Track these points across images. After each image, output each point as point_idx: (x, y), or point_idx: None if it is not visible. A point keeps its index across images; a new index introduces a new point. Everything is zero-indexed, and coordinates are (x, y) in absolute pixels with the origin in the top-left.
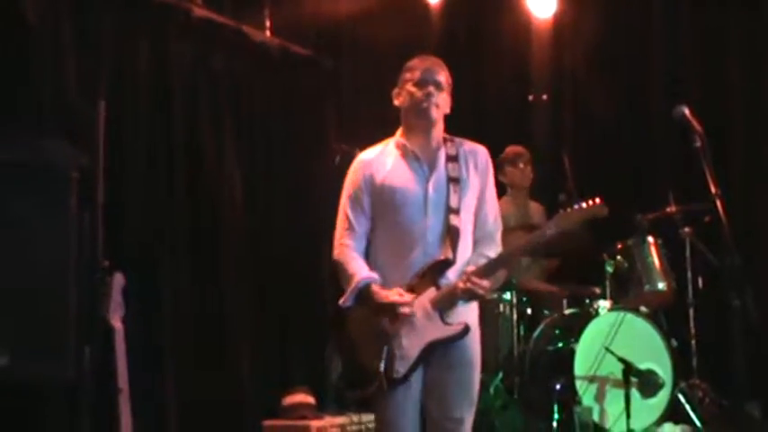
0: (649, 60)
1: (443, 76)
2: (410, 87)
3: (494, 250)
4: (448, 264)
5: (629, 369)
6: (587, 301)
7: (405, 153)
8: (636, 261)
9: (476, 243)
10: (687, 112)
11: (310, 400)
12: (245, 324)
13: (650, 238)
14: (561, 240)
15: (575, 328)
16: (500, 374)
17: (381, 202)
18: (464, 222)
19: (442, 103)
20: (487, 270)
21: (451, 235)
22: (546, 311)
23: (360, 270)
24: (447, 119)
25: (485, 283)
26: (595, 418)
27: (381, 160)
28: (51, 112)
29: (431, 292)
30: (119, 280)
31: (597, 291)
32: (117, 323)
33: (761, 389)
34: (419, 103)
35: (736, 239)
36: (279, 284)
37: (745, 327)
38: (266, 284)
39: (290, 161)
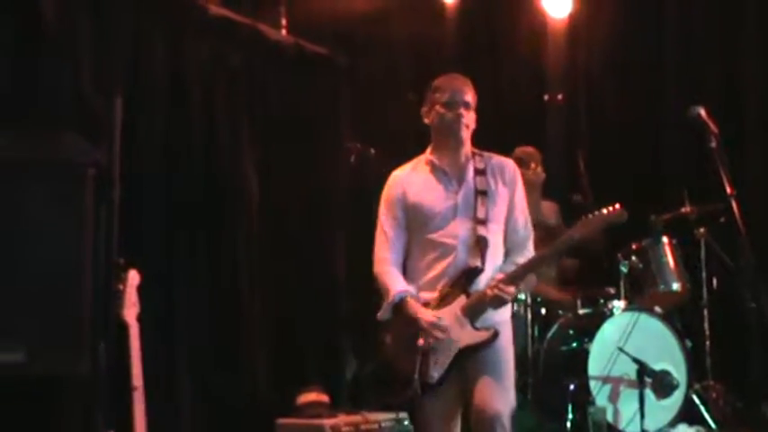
0: (665, 60)
1: (470, 96)
2: (440, 108)
3: (524, 257)
4: (477, 272)
5: (643, 369)
6: (601, 301)
7: (434, 169)
8: (650, 261)
9: (507, 252)
10: (703, 112)
11: (324, 398)
12: (260, 322)
13: (665, 239)
14: (579, 244)
15: (589, 328)
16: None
17: (414, 216)
18: (493, 233)
19: (470, 122)
20: (515, 277)
21: (480, 245)
22: (560, 312)
23: (396, 284)
24: None
25: (511, 289)
26: (609, 418)
27: (413, 177)
28: (68, 108)
29: (461, 300)
30: (134, 277)
31: (612, 291)
32: (132, 320)
33: None
34: (449, 125)
35: (752, 240)
36: (294, 283)
37: (760, 328)
38: (281, 283)
39: (305, 159)
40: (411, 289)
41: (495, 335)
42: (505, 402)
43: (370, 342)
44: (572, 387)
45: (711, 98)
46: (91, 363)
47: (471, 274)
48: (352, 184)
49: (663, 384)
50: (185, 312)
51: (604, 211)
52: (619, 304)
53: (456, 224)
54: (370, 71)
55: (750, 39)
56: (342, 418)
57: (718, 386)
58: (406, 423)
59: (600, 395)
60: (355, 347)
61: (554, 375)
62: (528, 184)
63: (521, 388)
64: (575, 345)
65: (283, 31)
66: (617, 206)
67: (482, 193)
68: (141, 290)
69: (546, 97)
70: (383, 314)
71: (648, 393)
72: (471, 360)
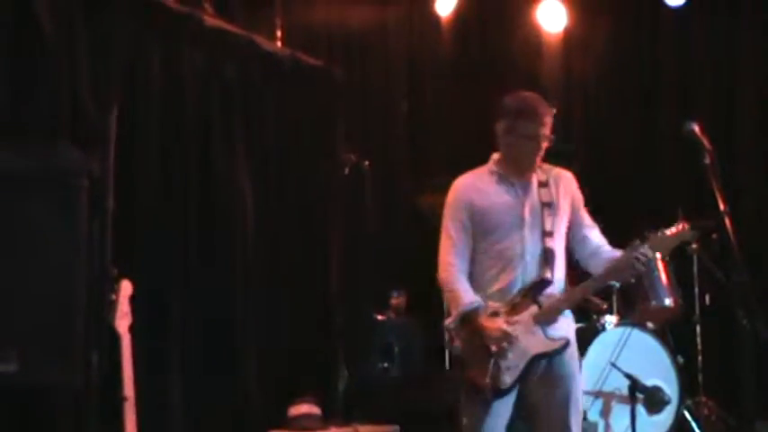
0: (659, 75)
1: (550, 123)
2: (522, 140)
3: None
4: (547, 283)
5: (635, 385)
6: (594, 316)
7: (501, 179)
8: (643, 277)
9: (595, 246)
10: (697, 128)
11: (316, 410)
12: (253, 335)
13: (658, 254)
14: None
15: (581, 342)
16: None
17: (481, 225)
18: (558, 245)
19: (544, 151)
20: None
21: (548, 257)
22: None
23: (466, 293)
24: (462, 132)
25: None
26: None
27: (479, 185)
28: (63, 119)
29: (532, 309)
30: (126, 288)
31: (604, 306)
32: (124, 331)
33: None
34: (529, 155)
35: (744, 257)
36: (287, 293)
37: (752, 345)
38: (275, 293)
39: (299, 170)
40: (480, 300)
41: (567, 343)
42: (577, 419)
43: (359, 354)
44: None
45: (705, 114)
46: (83, 373)
47: (542, 284)
48: (347, 196)
49: (655, 400)
50: (177, 323)
51: (673, 229)
52: (611, 319)
53: (524, 235)
54: (365, 83)
55: (745, 55)
56: (333, 431)
57: (709, 402)
58: None
59: (592, 410)
60: (347, 359)
61: None
62: None
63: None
64: None
65: (278, 43)
66: (685, 225)
67: (547, 205)
68: (134, 300)
69: None
70: (452, 322)
71: (640, 409)
72: (541, 372)
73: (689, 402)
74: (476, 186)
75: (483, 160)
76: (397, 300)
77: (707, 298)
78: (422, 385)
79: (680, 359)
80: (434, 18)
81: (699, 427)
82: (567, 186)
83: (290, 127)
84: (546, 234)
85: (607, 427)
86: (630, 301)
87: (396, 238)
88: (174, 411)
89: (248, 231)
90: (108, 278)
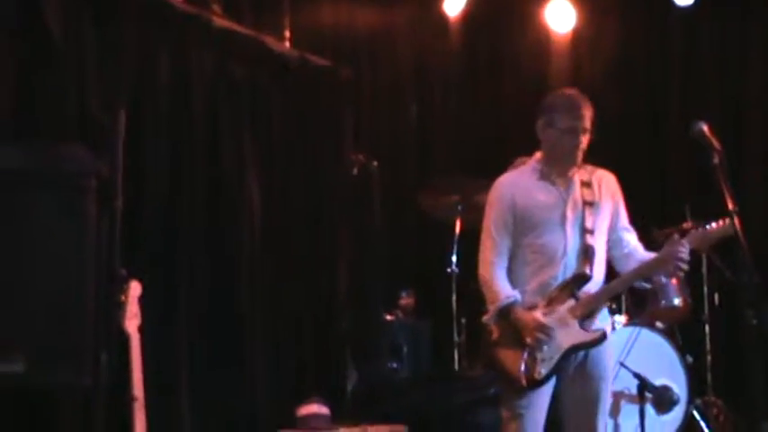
0: (668, 75)
1: (590, 118)
2: (559, 133)
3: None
4: (587, 279)
5: (643, 385)
6: None
7: (543, 177)
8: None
9: (631, 249)
10: (705, 128)
11: (324, 410)
12: (261, 335)
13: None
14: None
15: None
16: None
17: (523, 222)
18: (599, 243)
19: (585, 145)
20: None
21: (588, 254)
22: None
23: (504, 289)
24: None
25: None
26: None
27: (521, 183)
28: (72, 119)
29: (569, 303)
30: (135, 288)
31: (613, 306)
32: (133, 331)
33: None
34: (569, 151)
35: (755, 257)
36: (295, 295)
37: (762, 345)
38: (283, 295)
39: (308, 171)
40: (517, 294)
41: (604, 336)
42: (603, 420)
43: (368, 354)
44: None
45: (714, 114)
46: (92, 373)
47: (581, 280)
48: (355, 196)
49: (663, 400)
50: (186, 324)
51: (714, 224)
52: (620, 319)
53: (565, 232)
54: (373, 84)
55: (754, 55)
56: (342, 431)
57: (718, 402)
58: None
59: None
60: (356, 359)
61: None
62: None
63: None
64: None
65: (287, 44)
66: (726, 219)
67: (589, 204)
68: (142, 301)
69: None
70: (490, 317)
71: (649, 408)
72: (575, 368)
73: (698, 402)
74: (518, 184)
75: (491, 160)
76: (405, 300)
77: (716, 297)
78: (430, 385)
79: (689, 359)
80: (443, 18)
81: (708, 427)
82: (609, 187)
83: (299, 127)
84: (587, 231)
85: (616, 426)
86: (640, 300)
87: (404, 238)
88: (184, 411)
89: (256, 231)
90: (117, 279)
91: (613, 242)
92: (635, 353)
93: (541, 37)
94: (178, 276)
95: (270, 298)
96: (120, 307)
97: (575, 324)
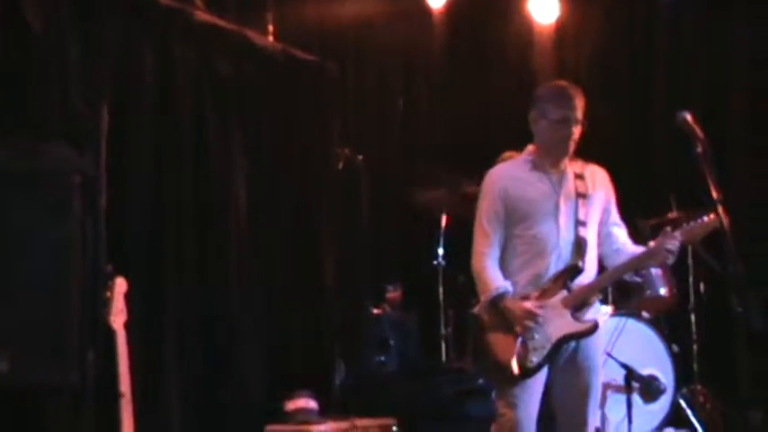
0: (652, 65)
1: (582, 109)
2: (552, 124)
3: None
4: (579, 270)
5: (630, 374)
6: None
7: (536, 168)
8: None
9: (620, 245)
10: (689, 117)
11: (313, 405)
12: (249, 329)
13: (652, 244)
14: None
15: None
16: None
17: (516, 213)
18: (591, 235)
19: (578, 136)
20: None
21: (581, 246)
22: None
23: (495, 279)
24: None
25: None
26: (597, 423)
27: (515, 174)
28: (55, 116)
29: (562, 294)
30: (121, 284)
31: (599, 296)
32: (119, 328)
33: (763, 396)
34: (561, 142)
35: (739, 246)
36: (283, 289)
37: (746, 334)
38: (270, 289)
39: (294, 165)
40: (509, 284)
41: (596, 326)
42: (593, 411)
43: (356, 348)
44: None
45: (698, 104)
46: (79, 371)
47: (574, 271)
48: (341, 190)
49: (650, 389)
50: (174, 319)
51: (705, 218)
52: (606, 309)
53: (558, 223)
54: (359, 77)
55: (738, 44)
56: (330, 425)
57: (705, 391)
58: (394, 429)
59: None
60: (344, 354)
61: None
62: None
63: None
64: None
65: (271, 38)
66: (712, 215)
67: (582, 196)
68: (129, 297)
69: None
70: (481, 308)
71: (636, 398)
72: (566, 358)
73: (684, 391)
74: (511, 175)
75: (477, 153)
76: (392, 294)
77: (702, 287)
78: (419, 378)
79: (675, 348)
80: (427, 11)
81: (694, 416)
82: (601, 181)
83: (284, 122)
84: (580, 223)
85: (603, 416)
86: (626, 290)
87: (390, 232)
88: (171, 407)
89: (242, 226)
90: (102, 275)
91: (604, 237)
92: (621, 343)
93: (525, 28)
94: (166, 273)
95: (257, 293)
96: (106, 304)
97: (567, 314)
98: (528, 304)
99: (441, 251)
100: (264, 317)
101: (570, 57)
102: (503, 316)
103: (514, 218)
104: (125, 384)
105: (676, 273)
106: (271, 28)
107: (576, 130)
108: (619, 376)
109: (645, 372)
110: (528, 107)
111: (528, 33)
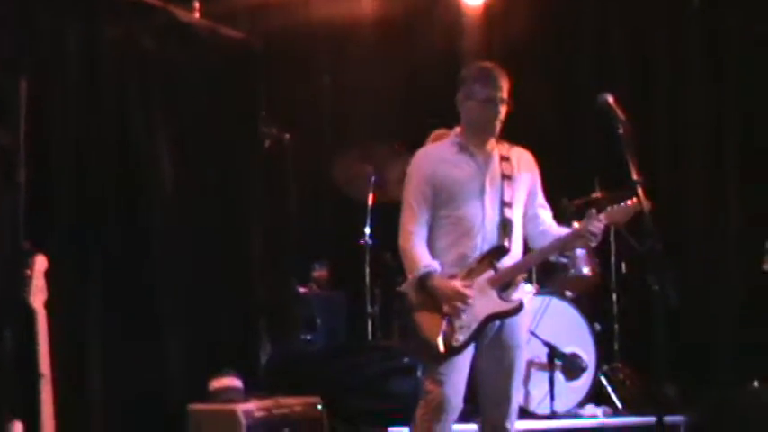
0: (578, 47)
1: (507, 90)
2: (478, 104)
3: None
4: (506, 251)
5: (553, 352)
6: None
7: (462, 149)
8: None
9: (546, 226)
10: (611, 99)
11: (237, 383)
12: (173, 309)
13: (576, 224)
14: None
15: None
16: None
17: (442, 194)
18: (516, 216)
19: (504, 116)
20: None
21: (507, 227)
22: None
23: (423, 258)
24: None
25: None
26: (520, 400)
27: (442, 155)
28: None
29: (488, 274)
30: (41, 262)
31: (524, 275)
32: (39, 306)
33: (677, 371)
34: (487, 122)
35: (657, 225)
36: (208, 267)
37: (663, 311)
38: (195, 267)
39: (220, 144)
40: (436, 264)
41: (521, 306)
42: (518, 387)
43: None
44: None
45: (624, 85)
46: None
47: (500, 252)
48: (268, 169)
49: (572, 367)
50: (95, 298)
51: (629, 201)
52: (530, 289)
53: (484, 204)
54: (285, 55)
55: (663, 29)
56: (255, 403)
57: (625, 368)
58: (319, 407)
59: None
60: (270, 332)
61: None
62: None
63: None
64: None
65: (196, 15)
66: (634, 199)
67: (507, 178)
68: (49, 275)
69: None
70: (408, 286)
71: (558, 375)
72: (492, 336)
73: (605, 368)
74: (437, 156)
75: (404, 131)
76: (319, 272)
77: (623, 267)
78: (344, 357)
79: (597, 327)
80: None
81: (615, 393)
82: (527, 164)
83: (210, 100)
84: (505, 205)
85: (527, 393)
86: (550, 270)
87: (317, 210)
88: (94, 387)
89: (167, 203)
90: (21, 253)
91: (529, 219)
92: (545, 321)
93: (453, 8)
94: (88, 250)
95: (182, 271)
96: (26, 282)
97: (493, 294)
98: (457, 284)
99: (367, 230)
100: (189, 295)
101: (497, 37)
102: (430, 295)
103: (441, 198)
104: (45, 365)
105: (599, 252)
106: (197, 5)
107: (502, 111)
108: (542, 354)
109: (567, 350)
110: (455, 88)
111: (456, 13)
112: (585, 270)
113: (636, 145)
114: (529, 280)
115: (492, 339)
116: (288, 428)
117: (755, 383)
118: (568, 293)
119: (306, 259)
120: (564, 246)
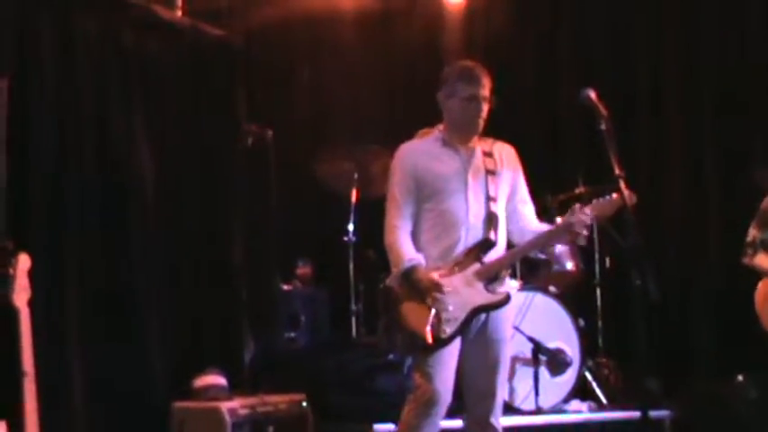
0: (559, 43)
1: (489, 87)
2: (461, 101)
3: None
4: (492, 244)
5: (537, 348)
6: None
7: (446, 145)
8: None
9: (527, 222)
10: (593, 95)
11: (221, 381)
12: (157, 307)
13: (558, 220)
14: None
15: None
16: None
17: (426, 188)
18: (500, 210)
19: (486, 113)
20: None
21: (492, 220)
22: None
23: (407, 252)
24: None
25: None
26: (504, 396)
27: (425, 150)
28: None
29: (475, 266)
30: (24, 261)
31: (509, 270)
32: (22, 305)
33: (659, 365)
34: (470, 120)
35: (640, 220)
36: (191, 264)
37: (645, 305)
38: (178, 264)
39: (201, 142)
40: (421, 257)
41: (508, 297)
42: (502, 381)
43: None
44: None
45: (605, 81)
46: None
47: (486, 245)
48: (250, 166)
49: (557, 362)
50: (77, 297)
51: (614, 195)
52: (514, 284)
53: (467, 198)
54: (266, 53)
55: (642, 23)
56: (239, 401)
57: (609, 363)
58: (304, 404)
59: None
60: (253, 330)
61: None
62: None
63: None
64: None
65: (178, 12)
66: (616, 194)
67: (491, 173)
68: (32, 274)
69: None
70: (393, 280)
71: (543, 371)
72: (478, 329)
73: (590, 363)
74: (422, 150)
75: (386, 128)
76: (302, 269)
77: (607, 262)
78: (328, 353)
79: (581, 322)
80: None
81: (599, 387)
82: (509, 158)
83: (191, 98)
84: (490, 199)
85: (511, 389)
86: (533, 265)
87: (300, 207)
88: (76, 385)
89: (148, 201)
90: (4, 252)
91: (509, 214)
92: (529, 317)
93: (434, 5)
94: (69, 249)
95: (164, 269)
96: (8, 281)
97: (480, 286)
98: (434, 276)
99: (351, 227)
100: (172, 293)
101: (478, 33)
102: (415, 288)
103: (425, 192)
104: (28, 363)
105: (583, 248)
106: (179, 2)
107: (485, 108)
108: (526, 350)
109: (552, 345)
110: (436, 86)
111: (436, 10)
112: (569, 266)
113: (618, 140)
114: (513, 275)
115: (477, 334)
116: (272, 426)
117: (740, 377)
118: (552, 289)
119: (289, 256)
120: (550, 240)
